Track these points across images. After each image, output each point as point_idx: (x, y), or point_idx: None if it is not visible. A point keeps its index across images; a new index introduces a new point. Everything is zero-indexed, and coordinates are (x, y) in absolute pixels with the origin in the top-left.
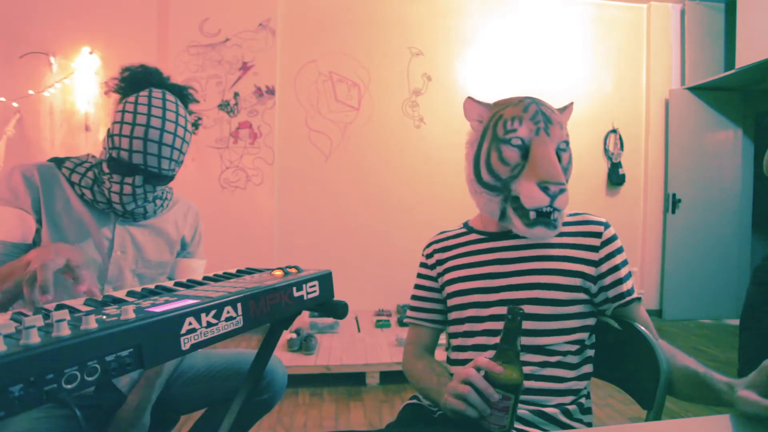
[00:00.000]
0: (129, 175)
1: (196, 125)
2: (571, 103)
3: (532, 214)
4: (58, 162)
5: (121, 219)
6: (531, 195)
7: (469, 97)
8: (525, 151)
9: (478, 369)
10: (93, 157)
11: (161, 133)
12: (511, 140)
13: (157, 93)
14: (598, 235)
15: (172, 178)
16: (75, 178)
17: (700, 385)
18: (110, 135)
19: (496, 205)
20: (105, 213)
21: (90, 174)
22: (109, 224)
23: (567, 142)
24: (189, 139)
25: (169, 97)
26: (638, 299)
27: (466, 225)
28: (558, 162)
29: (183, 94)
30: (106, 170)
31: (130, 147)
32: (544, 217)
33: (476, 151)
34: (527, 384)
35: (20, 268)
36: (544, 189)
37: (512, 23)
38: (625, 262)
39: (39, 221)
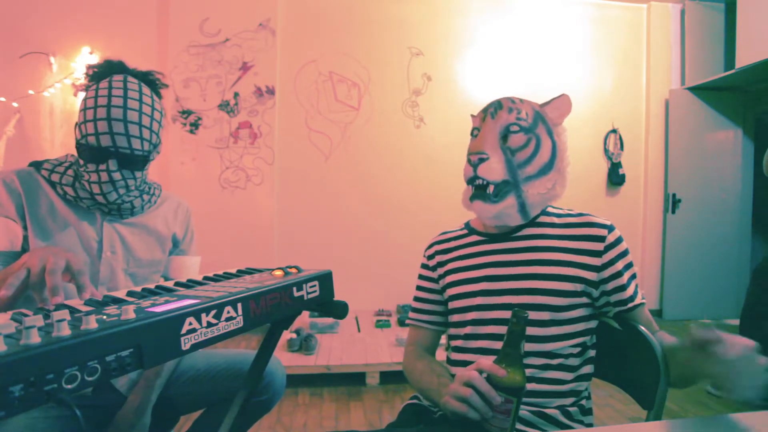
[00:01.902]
0: (102, 161)
1: (195, 125)
2: (561, 95)
3: (471, 189)
4: (37, 165)
5: (108, 218)
6: (464, 170)
7: (472, 114)
8: None
9: (481, 372)
10: (72, 156)
11: (124, 111)
12: (473, 132)
13: (117, 77)
14: (602, 239)
15: (146, 159)
16: (55, 177)
17: (670, 358)
18: (77, 126)
19: (467, 195)
20: (91, 213)
21: (70, 172)
22: (96, 224)
23: (522, 126)
24: (159, 118)
25: (131, 79)
26: (641, 305)
27: (467, 225)
28: (488, 138)
29: (148, 80)
30: (81, 163)
31: (96, 130)
32: (480, 191)
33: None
34: (527, 386)
35: (13, 272)
36: (469, 161)
37: (512, 23)
38: (628, 266)
39: (25, 227)
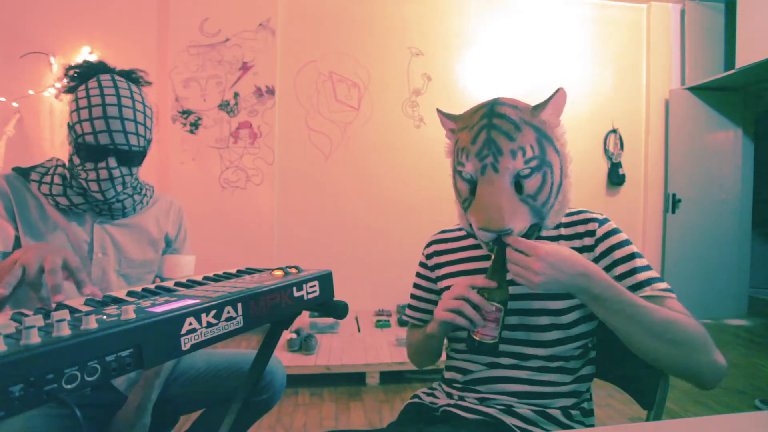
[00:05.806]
0: (101, 158)
1: (195, 125)
2: (557, 91)
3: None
4: (24, 173)
5: (99, 219)
6: (478, 233)
7: (438, 110)
8: (474, 185)
9: (472, 288)
10: (58, 159)
11: (119, 108)
12: (462, 173)
13: (105, 76)
14: (592, 233)
15: (143, 155)
16: (44, 189)
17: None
18: (71, 127)
19: (465, 220)
20: (81, 215)
21: (57, 179)
22: (85, 226)
23: (534, 166)
24: (150, 114)
25: (118, 78)
26: (649, 297)
27: None
28: (503, 203)
29: (132, 78)
30: (78, 162)
31: (94, 129)
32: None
33: (452, 163)
34: (528, 388)
35: (5, 269)
36: (487, 231)
37: (512, 23)
38: (627, 258)
39: (16, 228)
